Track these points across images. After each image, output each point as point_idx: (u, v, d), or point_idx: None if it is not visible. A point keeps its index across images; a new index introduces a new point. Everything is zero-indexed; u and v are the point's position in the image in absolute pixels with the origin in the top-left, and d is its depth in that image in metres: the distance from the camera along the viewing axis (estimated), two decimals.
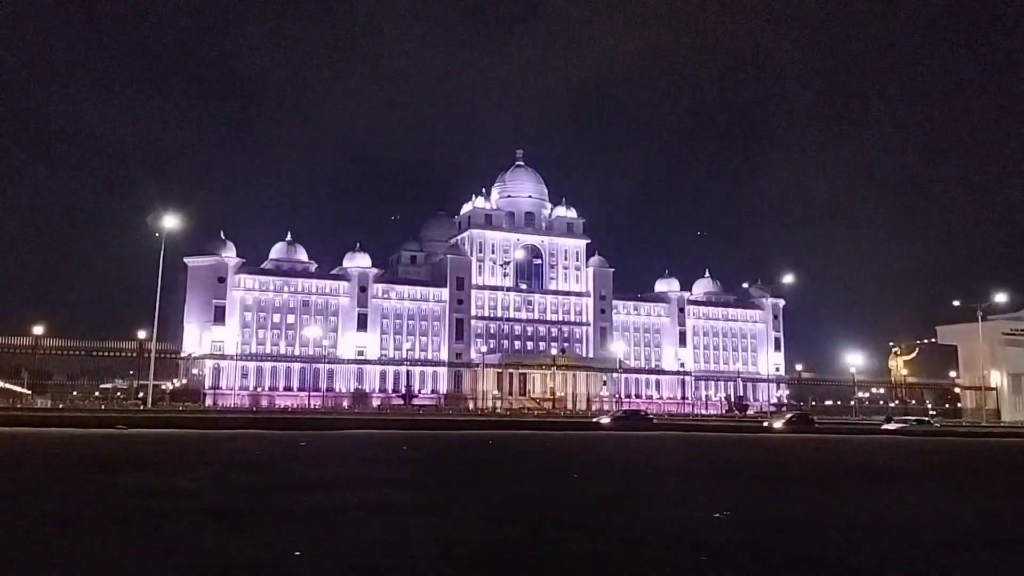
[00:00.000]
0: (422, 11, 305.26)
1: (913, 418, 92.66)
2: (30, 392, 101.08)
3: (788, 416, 76.34)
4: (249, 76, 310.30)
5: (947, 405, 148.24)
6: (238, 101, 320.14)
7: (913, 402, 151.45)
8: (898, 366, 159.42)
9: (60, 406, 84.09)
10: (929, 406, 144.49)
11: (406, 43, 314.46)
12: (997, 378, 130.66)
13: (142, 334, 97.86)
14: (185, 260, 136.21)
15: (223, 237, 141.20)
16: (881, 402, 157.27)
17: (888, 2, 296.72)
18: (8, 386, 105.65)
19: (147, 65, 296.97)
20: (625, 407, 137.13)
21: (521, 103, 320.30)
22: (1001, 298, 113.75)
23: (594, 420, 73.22)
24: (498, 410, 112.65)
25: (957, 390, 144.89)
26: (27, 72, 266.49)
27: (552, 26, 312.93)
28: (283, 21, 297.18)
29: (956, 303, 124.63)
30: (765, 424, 71.69)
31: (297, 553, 9.98)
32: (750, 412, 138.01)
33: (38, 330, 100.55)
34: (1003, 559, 11.02)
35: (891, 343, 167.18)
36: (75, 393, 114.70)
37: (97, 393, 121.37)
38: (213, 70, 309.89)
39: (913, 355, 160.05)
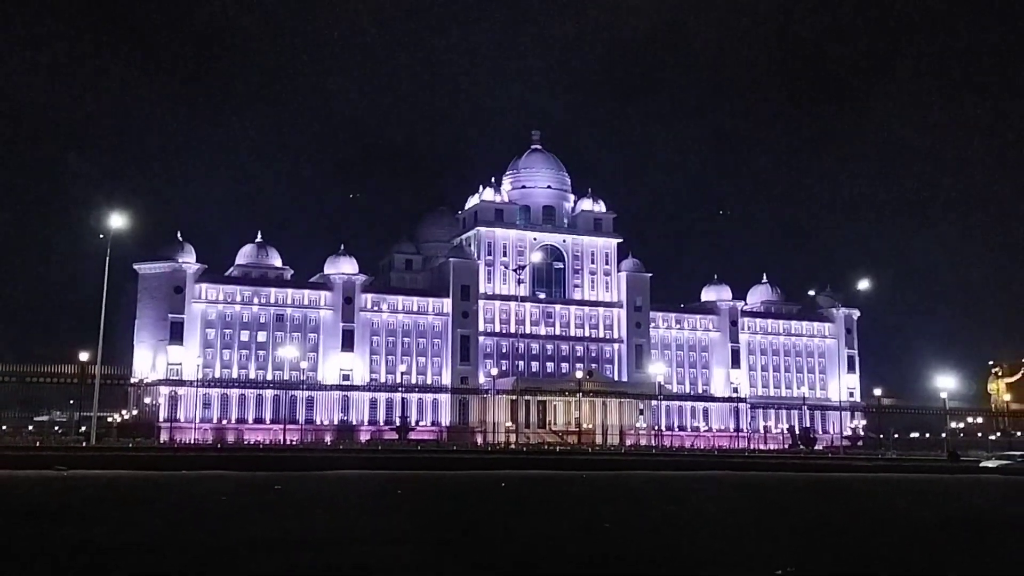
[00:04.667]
0: None
1: (1019, 454, 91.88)
2: None
3: None
4: (208, 36, 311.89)
5: None
6: (196, 71, 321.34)
7: (1018, 433, 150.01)
8: (1000, 390, 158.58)
9: None
10: None
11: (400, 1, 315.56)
12: None
13: (84, 356, 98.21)
14: (135, 267, 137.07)
15: (180, 239, 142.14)
16: (979, 434, 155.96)
17: None
18: None
19: (85, 21, 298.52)
20: (666, 440, 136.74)
21: (538, 71, 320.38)
22: None
23: None
24: (512, 446, 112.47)
25: None
26: None
27: None
28: None
29: None
30: None
31: None
32: (818, 446, 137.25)
33: None
34: None
35: (991, 362, 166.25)
36: (4, 427, 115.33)
37: (31, 427, 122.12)
38: (165, 25, 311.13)
39: (1018, 376, 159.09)
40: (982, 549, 19.12)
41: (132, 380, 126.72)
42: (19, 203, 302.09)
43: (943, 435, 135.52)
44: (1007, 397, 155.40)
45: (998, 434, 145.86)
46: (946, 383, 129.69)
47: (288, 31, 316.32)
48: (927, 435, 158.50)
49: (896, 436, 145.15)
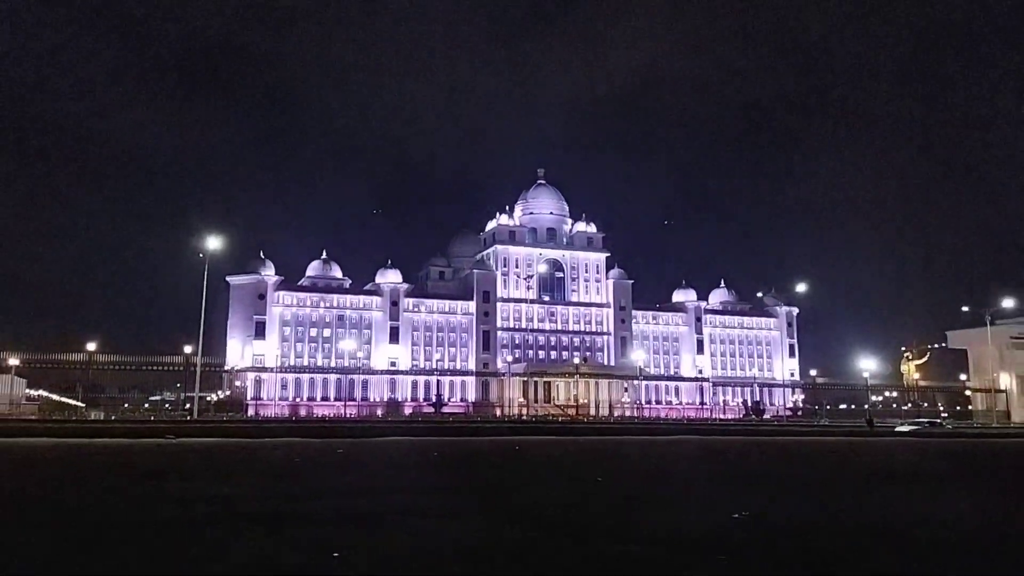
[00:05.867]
0: (455, 30, 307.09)
1: (926, 420, 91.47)
2: (84, 405, 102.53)
3: None
4: (283, 92, 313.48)
5: (958, 407, 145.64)
6: (273, 121, 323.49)
7: (925, 404, 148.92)
8: (910, 370, 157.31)
9: (112, 417, 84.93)
10: (941, 408, 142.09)
11: (436, 62, 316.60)
12: (1006, 380, 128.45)
13: (188, 349, 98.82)
14: (227, 279, 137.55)
15: (262, 256, 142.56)
16: (894, 405, 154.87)
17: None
18: (64, 399, 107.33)
19: (183, 82, 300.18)
20: (646, 412, 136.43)
21: (544, 120, 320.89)
22: (1008, 303, 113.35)
23: None
24: (524, 417, 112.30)
25: (968, 393, 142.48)
26: (71, 95, 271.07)
27: (580, 34, 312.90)
28: (319, 32, 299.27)
29: (965, 308, 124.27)
30: None
31: (335, 555, 9.99)
32: (766, 416, 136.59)
33: (91, 347, 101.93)
34: (1007, 560, 10.77)
35: (903, 348, 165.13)
36: (126, 405, 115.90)
37: (147, 405, 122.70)
38: (250, 84, 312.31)
39: (924, 359, 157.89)
40: (892, 492, 19.08)
41: (225, 367, 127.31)
42: (138, 232, 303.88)
43: (866, 406, 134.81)
44: (916, 376, 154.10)
45: (909, 405, 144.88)
46: (867, 365, 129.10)
47: (354, 93, 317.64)
48: (853, 406, 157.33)
49: (828, 407, 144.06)
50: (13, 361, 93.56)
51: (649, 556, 10.46)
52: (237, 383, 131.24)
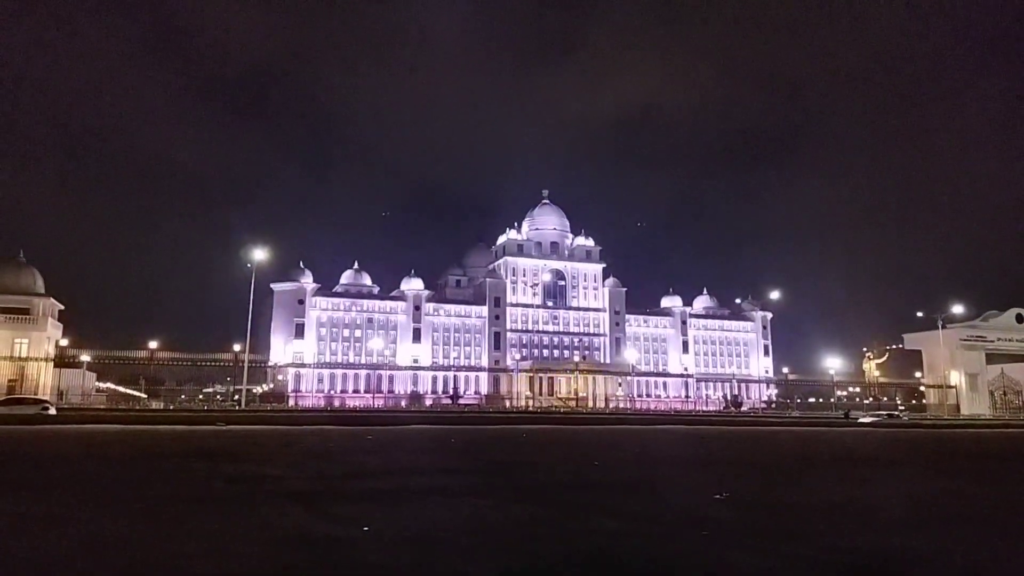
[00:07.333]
0: (472, 67, 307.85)
1: (885, 412, 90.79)
2: (146, 396, 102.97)
3: None
4: (321, 116, 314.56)
5: (913, 401, 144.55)
6: (313, 146, 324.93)
7: (885, 399, 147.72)
8: (871, 368, 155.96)
9: (171, 407, 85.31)
10: (899, 402, 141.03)
11: (454, 95, 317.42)
12: (956, 378, 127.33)
13: (237, 347, 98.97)
14: (271, 286, 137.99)
15: (302, 266, 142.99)
16: (857, 399, 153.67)
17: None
18: (129, 391, 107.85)
19: (236, 113, 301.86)
20: (637, 404, 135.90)
21: (549, 145, 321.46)
22: (958, 309, 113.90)
23: None
24: (530, 408, 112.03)
25: (922, 388, 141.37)
26: (140, 132, 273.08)
27: (581, 68, 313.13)
28: (353, 66, 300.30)
29: (919, 314, 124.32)
30: None
31: (365, 528, 10.01)
32: (744, 408, 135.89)
33: (153, 344, 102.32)
34: (957, 534, 10.71)
35: (864, 348, 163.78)
36: (183, 396, 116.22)
37: (201, 396, 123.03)
38: (292, 117, 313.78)
39: (884, 359, 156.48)
40: (857, 474, 18.95)
41: (269, 363, 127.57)
42: (194, 246, 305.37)
43: (832, 400, 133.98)
44: (876, 373, 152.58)
45: (870, 399, 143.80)
46: (833, 363, 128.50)
47: (383, 120, 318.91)
48: (820, 400, 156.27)
49: (799, 401, 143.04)
50: (85, 357, 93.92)
51: (642, 531, 10.44)
52: (279, 377, 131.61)
